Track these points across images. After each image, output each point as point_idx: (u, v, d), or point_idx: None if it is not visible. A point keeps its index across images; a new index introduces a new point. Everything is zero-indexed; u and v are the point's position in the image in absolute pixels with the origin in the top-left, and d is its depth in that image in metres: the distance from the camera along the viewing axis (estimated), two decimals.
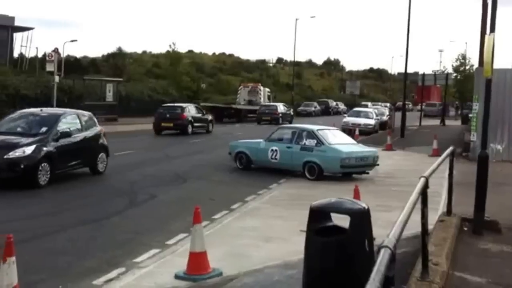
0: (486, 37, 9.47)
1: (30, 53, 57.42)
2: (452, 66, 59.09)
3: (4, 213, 10.07)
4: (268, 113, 43.49)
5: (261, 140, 17.06)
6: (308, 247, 4.48)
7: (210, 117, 33.50)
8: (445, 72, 53.74)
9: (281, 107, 45.03)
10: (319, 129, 16.43)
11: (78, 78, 38.82)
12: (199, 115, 32.42)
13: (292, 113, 47.45)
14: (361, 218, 4.33)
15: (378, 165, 16.28)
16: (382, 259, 2.67)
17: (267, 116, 43.10)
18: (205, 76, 77.10)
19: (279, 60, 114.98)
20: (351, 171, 15.72)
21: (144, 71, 67.14)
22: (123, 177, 14.69)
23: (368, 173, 16.06)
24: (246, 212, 11.07)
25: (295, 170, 15.84)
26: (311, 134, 15.83)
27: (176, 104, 33.21)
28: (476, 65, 26.48)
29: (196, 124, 31.14)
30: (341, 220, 4.48)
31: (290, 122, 40.24)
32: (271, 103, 47.76)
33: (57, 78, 34.08)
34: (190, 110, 31.66)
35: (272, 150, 16.24)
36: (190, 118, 30.65)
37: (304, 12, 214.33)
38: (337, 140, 16.17)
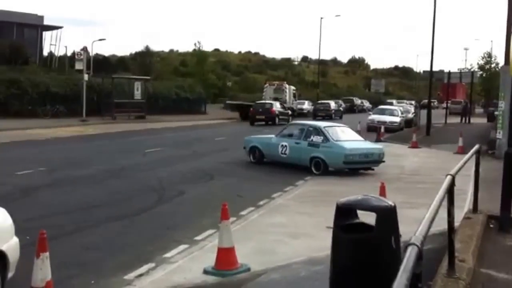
0: None
1: (59, 52, 58.38)
2: (478, 64, 58.47)
3: (34, 209, 10.28)
4: (323, 110, 48.45)
5: (273, 136, 17.73)
6: (334, 244, 4.50)
7: (290, 112, 42.69)
8: (471, 70, 53.13)
9: (333, 104, 50.82)
10: (326, 126, 17.17)
11: (107, 77, 39.37)
12: (283, 110, 41.52)
13: (342, 109, 52.37)
14: (388, 215, 4.35)
15: (384, 161, 16.64)
16: (409, 256, 2.70)
17: (322, 112, 47.68)
18: (231, 74, 77.39)
19: (304, 58, 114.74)
20: (355, 167, 16.31)
21: (171, 70, 67.62)
22: (152, 174, 14.87)
23: (373, 169, 16.49)
24: (273, 208, 11.17)
25: (302, 164, 16.24)
26: (318, 131, 16.52)
27: (267, 102, 42.97)
28: (502, 63, 26.19)
29: (281, 117, 39.58)
30: (368, 217, 4.54)
31: (341, 118, 46.53)
32: (325, 101, 53.27)
33: (86, 76, 34.62)
34: (277, 106, 41.15)
35: (282, 145, 16.97)
36: (277, 112, 39.86)
37: (329, 10, 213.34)
38: (344, 137, 16.79)
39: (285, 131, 17.79)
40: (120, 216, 10.07)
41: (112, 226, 9.42)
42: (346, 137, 16.83)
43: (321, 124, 17.83)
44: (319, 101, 52.88)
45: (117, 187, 12.95)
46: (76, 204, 10.96)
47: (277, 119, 38.82)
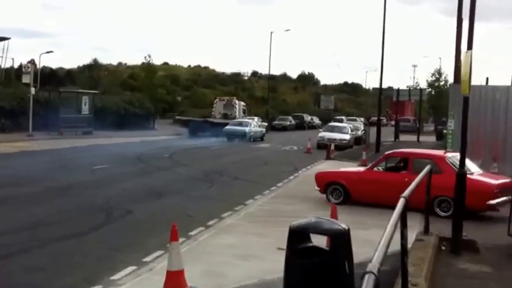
0: (463, 54, 9.53)
1: (6, 64, 56.66)
2: (427, 81, 59.22)
3: None
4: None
5: None
6: (287, 269, 4.42)
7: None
8: (418, 87, 54.19)
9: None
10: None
11: (54, 90, 38.56)
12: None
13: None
14: (342, 239, 4.30)
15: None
16: (366, 285, 2.66)
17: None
18: (180, 88, 76.91)
19: (254, 73, 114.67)
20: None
21: (119, 83, 66.64)
22: (99, 192, 14.50)
23: None
24: (223, 229, 10.99)
25: None
26: None
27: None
28: (450, 80, 26.78)
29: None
30: (320, 240, 4.48)
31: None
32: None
33: (33, 90, 33.81)
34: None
35: None
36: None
37: (279, 25, 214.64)
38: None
39: None
40: (66, 236, 9.77)
41: (58, 246, 9.14)
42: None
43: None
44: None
45: (64, 206, 12.56)
46: (21, 223, 10.58)
47: None
